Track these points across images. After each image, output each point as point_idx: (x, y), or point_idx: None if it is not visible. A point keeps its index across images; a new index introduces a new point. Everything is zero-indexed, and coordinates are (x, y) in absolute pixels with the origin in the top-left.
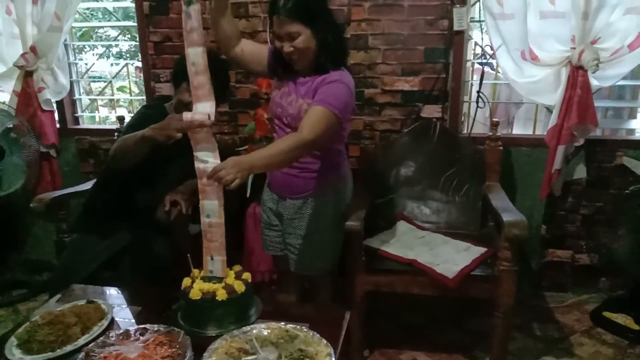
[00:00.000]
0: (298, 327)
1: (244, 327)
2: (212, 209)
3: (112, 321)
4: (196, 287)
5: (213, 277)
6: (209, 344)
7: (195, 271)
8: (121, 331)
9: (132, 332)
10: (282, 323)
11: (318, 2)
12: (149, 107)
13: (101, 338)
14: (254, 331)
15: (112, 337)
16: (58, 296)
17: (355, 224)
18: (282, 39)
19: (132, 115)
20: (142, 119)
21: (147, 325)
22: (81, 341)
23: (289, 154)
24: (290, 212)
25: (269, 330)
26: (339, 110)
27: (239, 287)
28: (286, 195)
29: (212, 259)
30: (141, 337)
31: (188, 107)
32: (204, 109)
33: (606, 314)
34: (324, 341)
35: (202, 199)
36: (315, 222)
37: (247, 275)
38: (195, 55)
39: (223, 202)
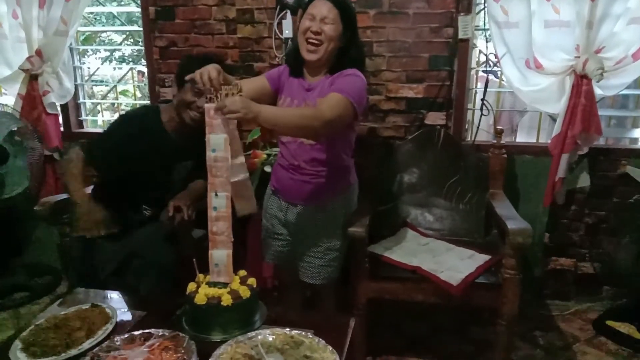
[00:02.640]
0: (303, 333)
1: (249, 333)
2: (218, 142)
3: (117, 325)
4: (201, 292)
5: (218, 283)
6: (214, 349)
7: (201, 276)
8: (126, 335)
9: (137, 337)
10: (287, 329)
11: (353, 12)
12: (130, 117)
13: (106, 342)
14: (259, 337)
15: (117, 341)
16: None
17: (359, 230)
18: (315, 19)
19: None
20: (124, 126)
21: (152, 330)
22: (86, 345)
23: (300, 120)
24: (302, 220)
25: (274, 336)
26: (355, 101)
27: (244, 292)
28: (297, 203)
29: (216, 195)
30: (146, 342)
31: (190, 106)
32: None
33: (609, 322)
34: (330, 348)
35: (209, 133)
36: (327, 229)
37: (252, 281)
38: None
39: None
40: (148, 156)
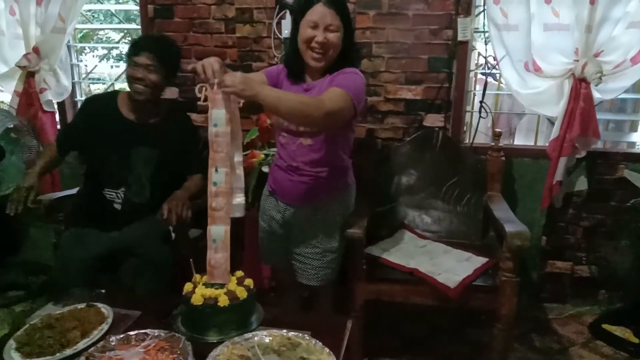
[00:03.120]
0: (300, 335)
1: (245, 334)
2: (219, 117)
3: (112, 325)
4: (198, 293)
5: (215, 283)
6: (210, 350)
7: (197, 276)
8: (121, 336)
9: (132, 337)
10: (284, 331)
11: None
12: (88, 102)
13: (101, 342)
14: (256, 338)
15: (112, 341)
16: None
17: (357, 231)
18: (318, 27)
19: None
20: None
21: (148, 330)
22: (81, 345)
23: (301, 105)
24: (300, 220)
25: (270, 338)
26: (354, 96)
27: (241, 293)
28: (296, 204)
29: (216, 170)
30: (142, 342)
31: (136, 81)
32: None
33: (605, 326)
34: (327, 349)
35: (211, 108)
36: (325, 230)
37: (249, 282)
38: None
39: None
40: (104, 139)
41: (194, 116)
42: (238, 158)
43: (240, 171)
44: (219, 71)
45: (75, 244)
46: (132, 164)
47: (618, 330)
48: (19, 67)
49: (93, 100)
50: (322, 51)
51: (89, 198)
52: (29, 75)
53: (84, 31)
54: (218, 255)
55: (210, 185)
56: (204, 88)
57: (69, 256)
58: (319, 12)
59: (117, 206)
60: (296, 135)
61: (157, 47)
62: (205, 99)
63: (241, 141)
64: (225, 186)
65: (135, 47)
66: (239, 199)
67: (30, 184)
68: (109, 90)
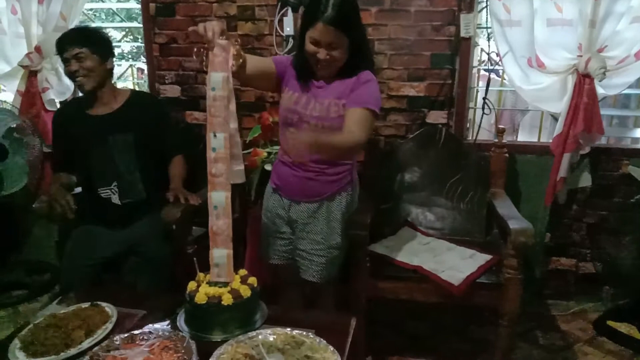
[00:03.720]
0: (304, 333)
1: (249, 333)
2: (217, 80)
3: (116, 324)
4: (202, 291)
5: (219, 282)
6: (214, 349)
7: (201, 275)
8: (126, 335)
9: (136, 336)
10: (288, 329)
11: (357, 11)
12: (56, 115)
13: (105, 342)
14: (260, 337)
15: (116, 340)
16: (60, 298)
17: (360, 229)
18: (319, 45)
19: None
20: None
21: (152, 329)
22: (85, 345)
23: (342, 148)
24: (304, 217)
25: (275, 336)
26: (377, 107)
27: (245, 291)
28: (301, 200)
29: (214, 136)
30: (146, 341)
31: (75, 75)
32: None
33: (610, 323)
34: (331, 348)
35: (210, 71)
36: (328, 226)
37: (252, 280)
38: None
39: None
40: (79, 142)
41: (195, 114)
42: (234, 124)
43: (237, 138)
44: (219, 34)
45: (84, 244)
46: (113, 156)
47: (623, 327)
48: (21, 66)
49: (59, 113)
50: (325, 65)
51: (89, 201)
52: (31, 75)
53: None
54: (220, 221)
55: (210, 151)
56: (202, 50)
57: (78, 256)
58: (319, 31)
59: (116, 201)
60: (302, 130)
61: (77, 37)
62: (203, 62)
63: (235, 108)
64: (224, 151)
65: (59, 46)
66: (238, 166)
67: (64, 196)
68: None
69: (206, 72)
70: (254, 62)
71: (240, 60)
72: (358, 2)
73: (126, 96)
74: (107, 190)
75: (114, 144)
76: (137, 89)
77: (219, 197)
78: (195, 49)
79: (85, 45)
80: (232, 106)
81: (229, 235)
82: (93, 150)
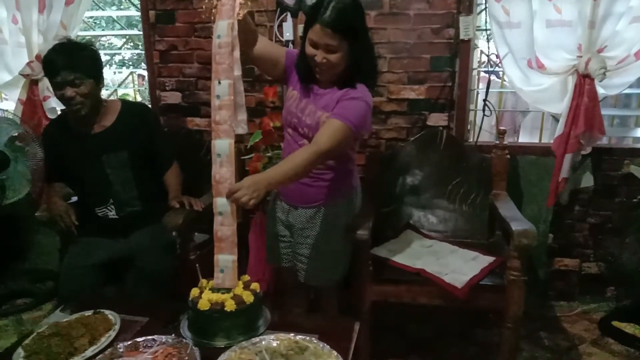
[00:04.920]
0: (308, 338)
1: (252, 339)
2: (222, 27)
3: (120, 332)
4: (204, 298)
5: (222, 288)
6: (218, 355)
7: (204, 281)
8: (129, 342)
9: (140, 344)
10: (292, 334)
11: (362, 21)
12: (43, 134)
13: (109, 349)
14: (263, 342)
15: (120, 348)
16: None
17: (363, 233)
18: (318, 47)
19: None
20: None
21: (156, 337)
22: (89, 352)
23: (305, 167)
24: (302, 222)
25: (278, 342)
26: (355, 127)
27: (248, 297)
28: (298, 205)
29: (219, 83)
30: (149, 349)
31: (70, 101)
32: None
33: (615, 323)
34: (335, 353)
35: (217, 20)
36: (326, 232)
37: (255, 286)
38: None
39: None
40: (70, 163)
41: (196, 120)
42: (238, 72)
43: (240, 86)
44: None
45: (80, 253)
46: (107, 175)
47: (628, 327)
48: (23, 75)
49: (47, 130)
50: (324, 69)
51: (85, 215)
52: (32, 83)
53: (86, 38)
54: (223, 169)
55: (214, 99)
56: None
57: (74, 264)
58: (317, 33)
59: (113, 216)
60: (302, 136)
61: (69, 60)
62: (211, 15)
63: (239, 55)
64: (228, 98)
65: (48, 69)
66: (242, 115)
67: (67, 213)
68: (110, 97)
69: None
70: (265, 44)
71: (246, 11)
72: None
73: (117, 110)
74: (104, 209)
75: (108, 162)
76: (137, 95)
77: (222, 145)
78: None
79: (79, 69)
80: (236, 53)
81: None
82: (87, 171)
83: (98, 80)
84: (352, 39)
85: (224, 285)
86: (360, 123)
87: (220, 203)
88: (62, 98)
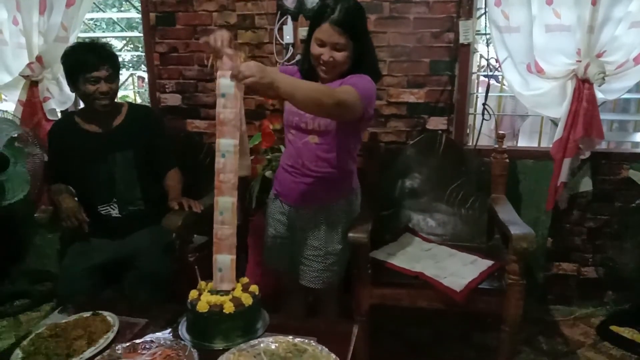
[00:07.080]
0: (306, 341)
1: (251, 341)
2: (226, 85)
3: (118, 334)
4: (203, 300)
5: (220, 290)
6: (216, 357)
7: (202, 283)
8: (127, 344)
9: (138, 345)
10: (290, 337)
11: (365, 22)
12: (50, 132)
13: (107, 351)
14: (262, 345)
15: (118, 350)
16: (61, 307)
17: (361, 236)
18: (324, 45)
19: None
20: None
21: (154, 338)
22: (87, 354)
23: (314, 93)
24: (303, 222)
25: (276, 344)
26: (362, 96)
27: (247, 299)
28: (299, 205)
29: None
30: (148, 350)
31: (93, 95)
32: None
33: (613, 327)
34: (333, 355)
35: (219, 77)
36: (328, 233)
37: (254, 288)
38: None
39: None
40: (77, 161)
41: (196, 122)
42: (243, 127)
43: (245, 136)
44: (227, 40)
45: (79, 254)
46: (112, 174)
47: (626, 332)
48: (23, 76)
49: (54, 130)
50: (329, 67)
51: (87, 215)
52: (32, 85)
53: (87, 40)
54: (225, 227)
55: (218, 156)
56: (210, 57)
57: (73, 266)
58: (325, 31)
59: (115, 215)
60: (305, 132)
61: (109, 56)
62: (212, 67)
63: (243, 111)
64: (234, 157)
65: (87, 63)
66: (245, 161)
67: (80, 211)
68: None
69: (210, 81)
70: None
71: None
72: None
73: (124, 111)
74: (107, 207)
75: (114, 162)
76: (137, 97)
77: (225, 203)
78: (206, 58)
79: (113, 65)
80: (241, 110)
81: (233, 242)
82: (92, 169)
83: (118, 77)
84: (357, 38)
85: (222, 286)
86: (367, 94)
87: (221, 260)
88: (90, 94)
